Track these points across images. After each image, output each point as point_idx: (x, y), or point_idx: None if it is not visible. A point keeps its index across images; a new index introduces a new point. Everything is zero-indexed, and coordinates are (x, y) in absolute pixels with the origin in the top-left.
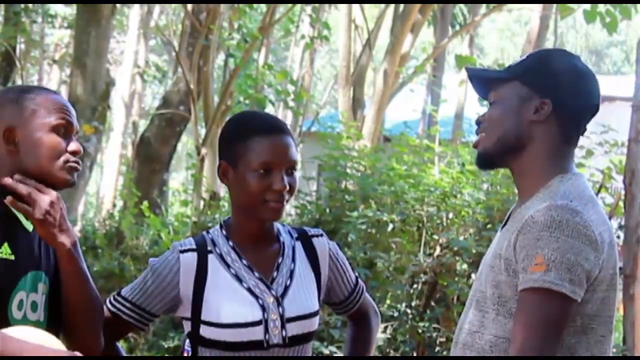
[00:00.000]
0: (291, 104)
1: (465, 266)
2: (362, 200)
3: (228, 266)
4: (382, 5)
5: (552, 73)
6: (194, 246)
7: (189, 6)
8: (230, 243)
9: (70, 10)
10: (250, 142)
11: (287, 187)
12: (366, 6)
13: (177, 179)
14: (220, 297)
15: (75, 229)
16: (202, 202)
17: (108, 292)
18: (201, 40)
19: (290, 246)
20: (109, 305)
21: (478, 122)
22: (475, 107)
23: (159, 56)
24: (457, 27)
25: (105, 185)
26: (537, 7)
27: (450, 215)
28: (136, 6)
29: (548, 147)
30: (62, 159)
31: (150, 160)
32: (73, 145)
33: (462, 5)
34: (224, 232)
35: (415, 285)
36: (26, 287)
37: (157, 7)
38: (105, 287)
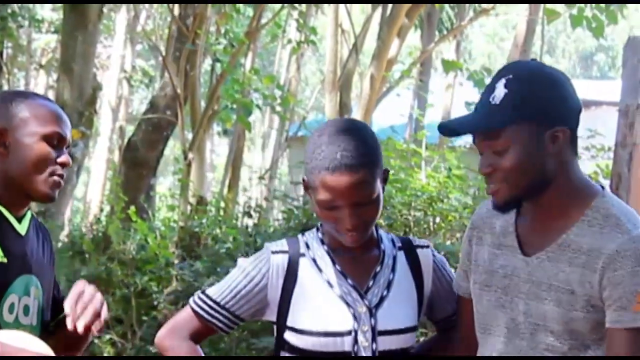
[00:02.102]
0: (278, 108)
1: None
2: None
3: (320, 271)
4: (369, 10)
5: (547, 97)
6: (285, 248)
7: (176, 11)
8: (325, 247)
9: (57, 15)
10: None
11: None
12: (353, 11)
13: (164, 183)
14: (309, 302)
15: (62, 234)
16: (189, 207)
17: None
18: (188, 45)
19: (391, 255)
20: (193, 305)
21: (487, 174)
22: (462, 112)
23: (146, 61)
24: (444, 32)
25: (92, 190)
26: (524, 12)
27: (437, 220)
28: (123, 11)
29: (572, 169)
30: (49, 170)
31: (137, 165)
32: (63, 157)
33: (449, 10)
34: (319, 235)
35: None
36: (18, 290)
37: (143, 12)
38: None
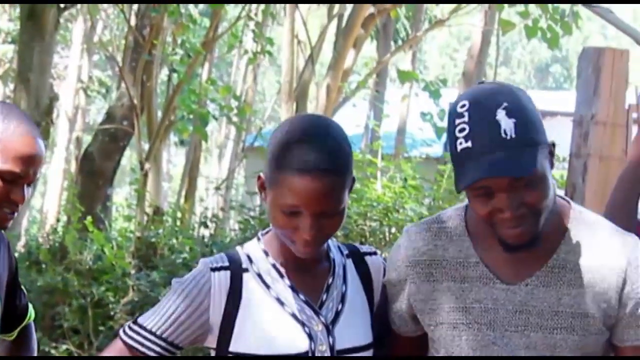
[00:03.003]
0: (234, 119)
1: None
2: None
3: (268, 287)
4: (325, 20)
5: (538, 116)
6: (226, 263)
7: (132, 21)
8: (270, 260)
9: (13, 26)
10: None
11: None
12: (309, 21)
13: (121, 194)
14: (257, 323)
15: (19, 244)
16: (145, 217)
17: (52, 307)
18: (144, 55)
19: (340, 264)
20: (124, 337)
21: (519, 216)
22: (416, 122)
23: (103, 71)
24: (400, 42)
25: (49, 200)
26: (479, 22)
27: (393, 230)
28: (80, 21)
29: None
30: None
31: (93, 175)
32: (16, 195)
33: (404, 21)
34: (262, 246)
35: None
36: None
37: (100, 22)
38: (49, 302)
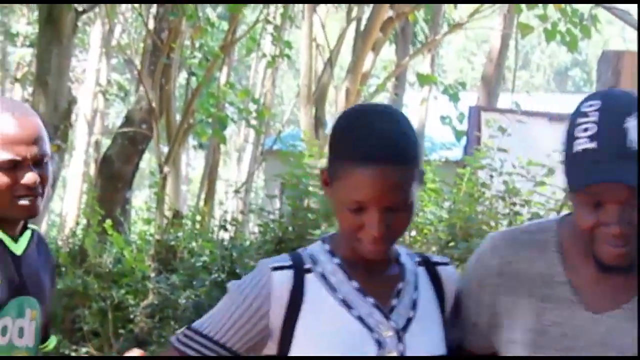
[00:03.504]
0: (253, 122)
1: None
2: (324, 218)
3: (333, 289)
4: (344, 24)
5: None
6: (288, 262)
7: (151, 24)
8: (336, 260)
9: (32, 29)
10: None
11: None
12: (327, 24)
13: (140, 197)
14: (321, 327)
15: None
16: (165, 220)
17: (72, 310)
18: (163, 58)
19: (412, 271)
20: (177, 344)
21: (626, 234)
22: (435, 125)
23: (121, 74)
24: (418, 46)
25: (68, 203)
26: (498, 26)
27: (413, 233)
28: (98, 24)
29: None
30: (10, 196)
31: (113, 179)
32: (26, 178)
33: (423, 24)
34: (327, 246)
35: None
36: (11, 313)
37: (118, 26)
38: (69, 305)
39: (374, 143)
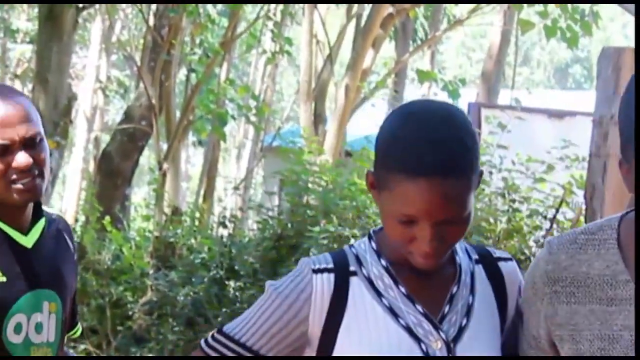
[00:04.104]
0: (253, 119)
1: None
2: (323, 215)
3: (379, 294)
4: (344, 20)
5: None
6: (330, 264)
7: (151, 21)
8: (383, 262)
9: (32, 26)
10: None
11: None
12: (328, 21)
13: (139, 193)
14: (364, 337)
15: None
16: (164, 217)
17: None
18: (163, 55)
19: (468, 271)
20: (206, 348)
21: None
22: None
23: (121, 71)
24: (419, 42)
25: (67, 200)
26: (498, 22)
27: None
28: (98, 21)
29: None
30: (7, 180)
31: (112, 175)
32: (16, 161)
33: (423, 20)
34: (373, 245)
35: None
36: (24, 308)
37: (118, 22)
38: None
39: (426, 153)
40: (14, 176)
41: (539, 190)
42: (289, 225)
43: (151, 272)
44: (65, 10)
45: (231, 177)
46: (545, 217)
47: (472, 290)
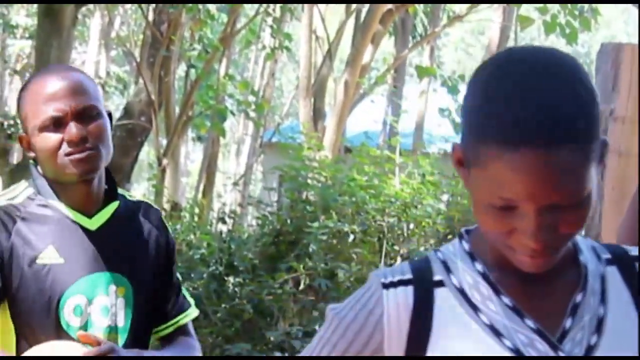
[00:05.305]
0: (252, 114)
1: None
2: (323, 211)
3: (475, 309)
4: (343, 16)
5: None
6: (408, 275)
7: (150, 17)
8: (479, 267)
9: (31, 21)
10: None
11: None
12: (327, 17)
13: (139, 189)
14: None
15: None
16: (163, 213)
17: None
18: (162, 51)
19: (596, 274)
20: None
21: None
22: (434, 118)
23: (120, 67)
24: (418, 38)
25: None
26: (497, 18)
27: (411, 226)
28: (97, 17)
29: None
30: (60, 153)
31: (111, 171)
32: (67, 134)
33: (422, 16)
34: (465, 246)
35: None
36: (85, 290)
37: (118, 18)
38: None
39: (529, 115)
40: (68, 149)
41: None
42: (288, 221)
43: None
44: (64, 6)
45: (230, 173)
46: None
47: (603, 299)
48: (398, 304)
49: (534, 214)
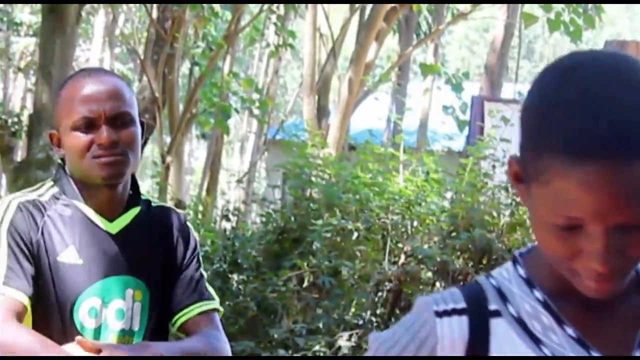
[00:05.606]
0: (256, 112)
1: (429, 274)
2: (326, 208)
3: (536, 341)
4: (347, 14)
5: None
6: (462, 304)
7: (154, 14)
8: (538, 295)
9: (35, 19)
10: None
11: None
12: (331, 14)
13: (143, 187)
14: None
15: None
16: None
17: None
18: (166, 48)
19: None
20: None
21: None
22: (438, 115)
23: (124, 64)
24: (422, 36)
25: None
26: (502, 16)
27: (415, 224)
28: (101, 14)
29: None
30: (89, 155)
31: None
32: (99, 138)
33: (427, 14)
34: (521, 272)
35: (380, 294)
36: (102, 293)
37: (122, 15)
38: None
39: (597, 126)
40: (97, 152)
41: None
42: (292, 218)
43: None
44: (68, 4)
45: (234, 171)
46: None
47: None
48: (453, 335)
49: (602, 235)
